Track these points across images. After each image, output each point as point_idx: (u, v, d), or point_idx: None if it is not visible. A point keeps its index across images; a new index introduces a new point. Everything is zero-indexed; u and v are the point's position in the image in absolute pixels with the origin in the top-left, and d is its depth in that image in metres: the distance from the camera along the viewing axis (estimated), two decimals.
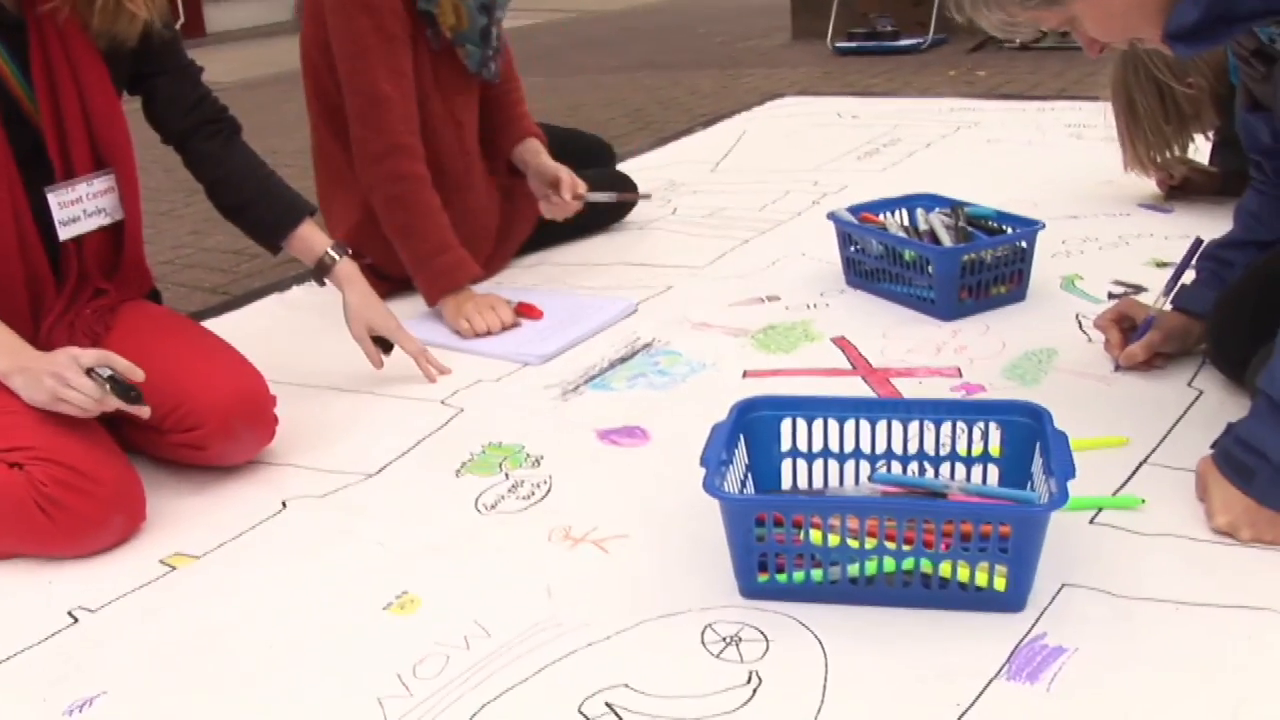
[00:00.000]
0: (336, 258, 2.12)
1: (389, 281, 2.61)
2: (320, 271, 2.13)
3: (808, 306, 2.45)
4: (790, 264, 2.73)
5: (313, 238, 2.12)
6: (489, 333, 2.41)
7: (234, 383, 1.91)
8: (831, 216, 2.54)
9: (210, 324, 2.25)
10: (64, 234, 1.89)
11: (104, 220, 1.95)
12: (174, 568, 1.68)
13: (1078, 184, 3.19)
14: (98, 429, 1.81)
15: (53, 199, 1.87)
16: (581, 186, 2.77)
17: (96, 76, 1.89)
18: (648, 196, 3.08)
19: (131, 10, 1.84)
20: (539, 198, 2.79)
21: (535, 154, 2.82)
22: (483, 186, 2.76)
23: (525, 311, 2.46)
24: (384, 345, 2.18)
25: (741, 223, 3.09)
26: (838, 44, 6.39)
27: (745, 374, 2.14)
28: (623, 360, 2.24)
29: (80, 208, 1.90)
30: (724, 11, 9.48)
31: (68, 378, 1.71)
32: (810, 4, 7.04)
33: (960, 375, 2.08)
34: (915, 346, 2.21)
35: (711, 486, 1.41)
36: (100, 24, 1.84)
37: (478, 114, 2.78)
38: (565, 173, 2.76)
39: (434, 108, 2.59)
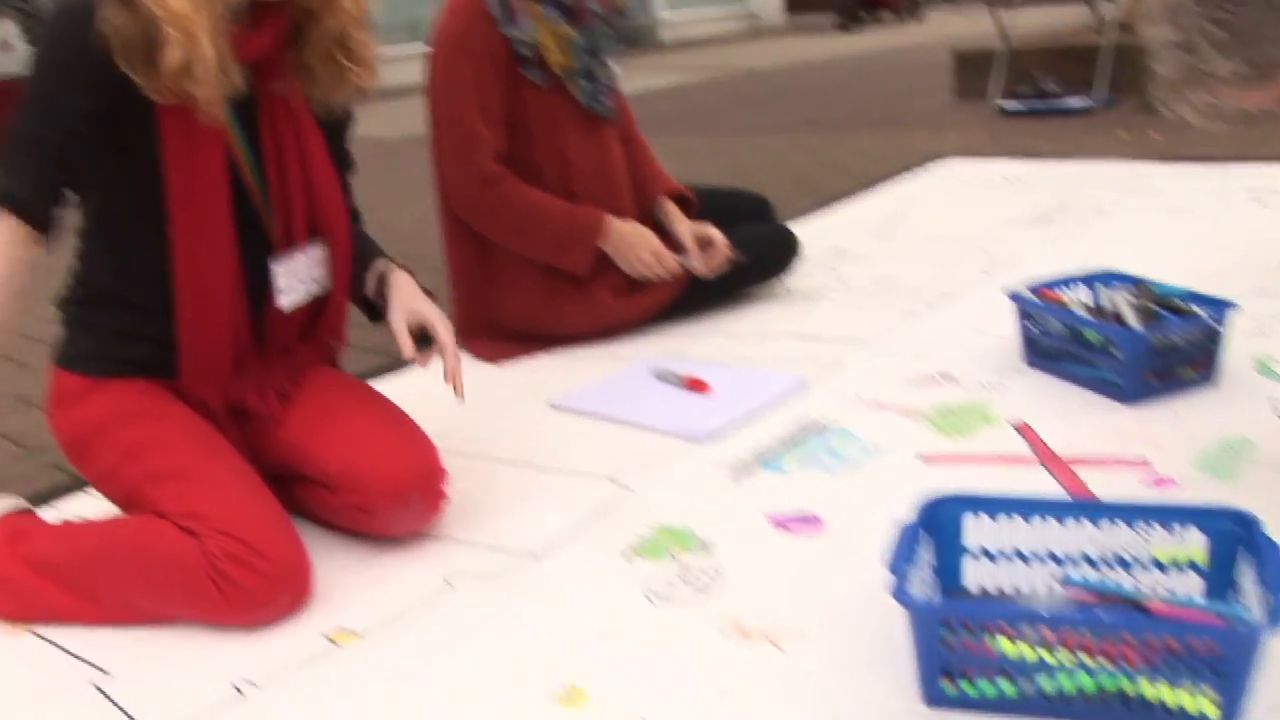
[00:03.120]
0: (395, 268, 2.08)
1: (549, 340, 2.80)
2: (381, 285, 2.06)
3: (984, 386, 2.37)
4: (964, 339, 2.65)
5: (378, 262, 2.09)
6: (666, 274, 2.78)
7: (408, 451, 1.93)
8: (1012, 296, 2.46)
9: (373, 384, 2.25)
10: (284, 303, 1.93)
11: (316, 290, 1.99)
12: (336, 643, 1.68)
13: (1265, 255, 3.05)
14: (270, 496, 1.83)
15: (277, 269, 1.91)
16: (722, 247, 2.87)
17: (316, 147, 1.94)
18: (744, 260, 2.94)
19: (356, 82, 1.90)
20: (686, 250, 2.86)
21: (671, 219, 2.92)
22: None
23: (694, 386, 2.43)
24: (425, 344, 2.02)
25: (910, 293, 3.02)
26: (1003, 103, 6.28)
27: (922, 459, 2.08)
28: (794, 440, 2.19)
29: (297, 277, 1.95)
30: (882, 68, 9.42)
31: None
32: (972, 62, 6.95)
33: (1148, 466, 1.98)
34: (1099, 433, 2.12)
35: (902, 595, 1.36)
36: (326, 96, 1.90)
37: (620, 154, 2.89)
38: (713, 231, 2.86)
39: (564, 143, 2.74)
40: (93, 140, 1.73)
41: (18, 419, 2.94)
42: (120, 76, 1.69)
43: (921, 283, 3.11)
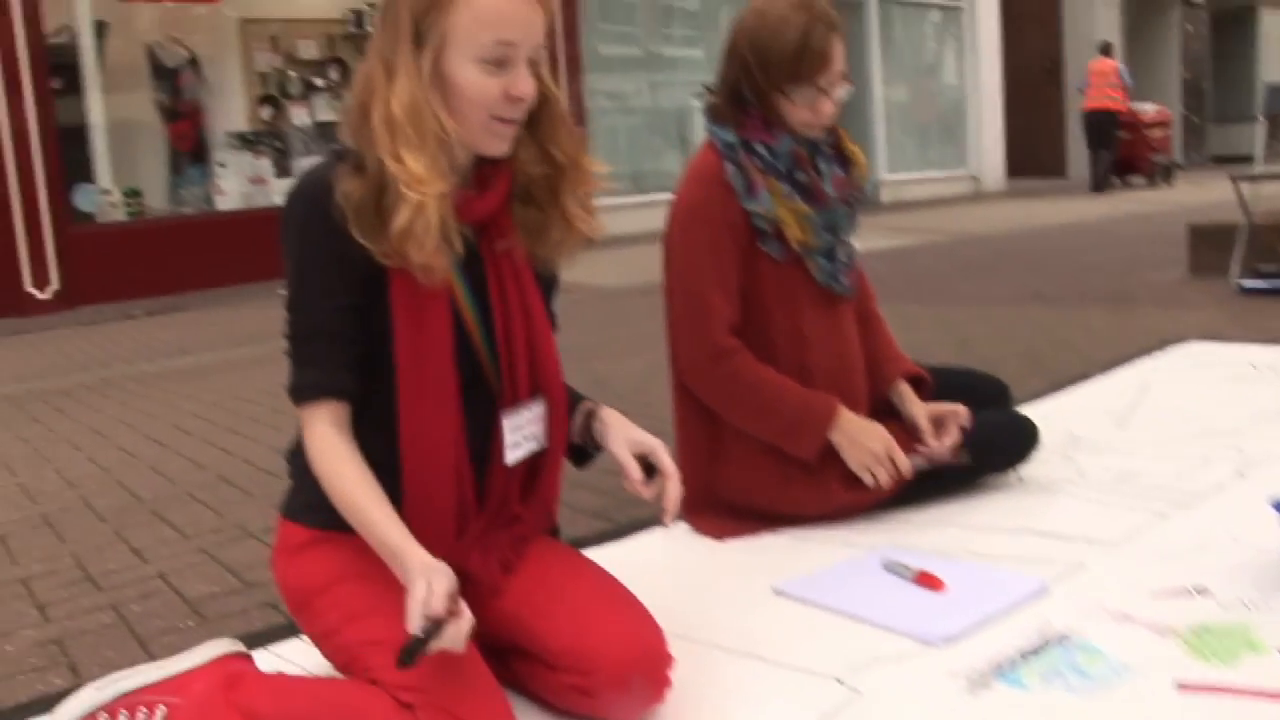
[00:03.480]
0: (602, 405, 2.04)
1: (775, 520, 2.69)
2: (588, 419, 2.03)
3: (1245, 605, 2.17)
4: (1219, 549, 2.45)
5: (583, 403, 2.06)
6: (890, 481, 2.63)
7: (635, 635, 1.86)
8: (1276, 506, 2.27)
9: (590, 553, 2.19)
10: (510, 458, 1.93)
11: (535, 447, 1.98)
12: None
13: None
14: (488, 672, 1.78)
15: (506, 423, 1.91)
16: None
17: (537, 302, 1.96)
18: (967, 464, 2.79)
19: (583, 235, 1.92)
20: (920, 434, 2.76)
21: (905, 400, 2.83)
22: (864, 406, 2.77)
23: (926, 581, 2.30)
24: (647, 471, 1.97)
25: (1156, 492, 2.83)
26: (1243, 281, 6.01)
27: (1179, 686, 1.90)
28: (1034, 651, 2.04)
29: (522, 433, 1.94)
30: (1109, 238, 9.20)
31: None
32: (1209, 235, 6.70)
33: None
34: None
35: None
36: (551, 251, 1.93)
37: (855, 332, 2.81)
38: (946, 408, 2.75)
39: (800, 318, 2.68)
40: (359, 309, 1.80)
41: (239, 550, 2.99)
42: (359, 245, 1.74)
43: (1168, 480, 2.92)
